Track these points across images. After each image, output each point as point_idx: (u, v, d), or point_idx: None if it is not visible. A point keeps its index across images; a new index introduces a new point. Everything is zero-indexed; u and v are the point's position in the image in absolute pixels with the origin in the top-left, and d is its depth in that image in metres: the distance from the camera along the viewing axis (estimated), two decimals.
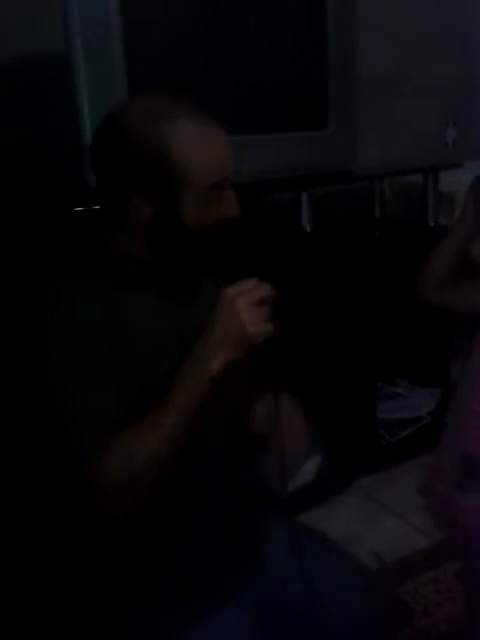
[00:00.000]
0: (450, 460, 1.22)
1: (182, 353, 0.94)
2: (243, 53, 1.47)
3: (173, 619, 1.04)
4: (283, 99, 1.53)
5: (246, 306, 0.91)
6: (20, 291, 1.20)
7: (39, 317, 0.98)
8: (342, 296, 1.87)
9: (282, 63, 1.53)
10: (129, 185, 0.95)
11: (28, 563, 1.37)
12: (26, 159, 1.35)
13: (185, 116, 0.95)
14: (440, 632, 1.54)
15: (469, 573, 1.30)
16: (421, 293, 1.28)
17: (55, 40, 1.27)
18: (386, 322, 2.08)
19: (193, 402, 0.92)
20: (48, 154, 1.41)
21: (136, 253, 1.01)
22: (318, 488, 1.85)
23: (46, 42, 1.35)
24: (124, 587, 1.07)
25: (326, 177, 1.71)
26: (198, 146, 0.95)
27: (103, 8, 1.25)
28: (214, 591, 1.06)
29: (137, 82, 1.27)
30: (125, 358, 0.96)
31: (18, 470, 1.34)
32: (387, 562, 1.69)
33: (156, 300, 1.02)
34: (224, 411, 1.10)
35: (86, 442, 0.92)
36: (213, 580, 1.07)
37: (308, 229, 1.84)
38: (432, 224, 2.13)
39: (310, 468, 1.86)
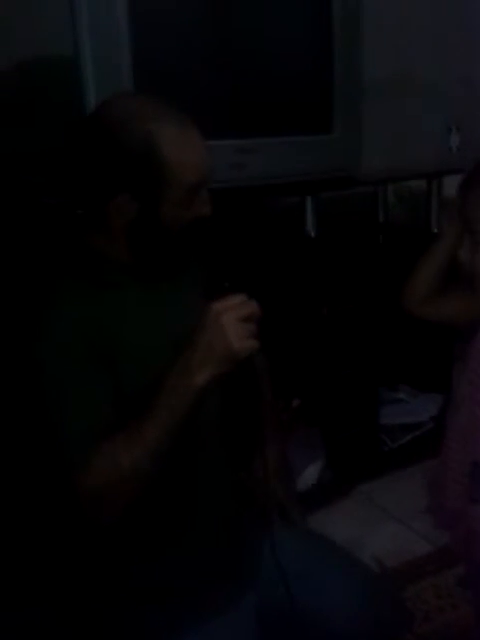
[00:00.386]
0: (454, 473, 1.19)
1: (172, 352, 0.93)
2: (248, 57, 1.47)
3: (171, 624, 1.04)
4: (288, 103, 1.53)
5: (232, 321, 0.90)
6: (7, 294, 1.20)
7: (25, 321, 0.98)
8: (346, 301, 1.87)
9: (287, 67, 1.53)
10: (115, 183, 0.96)
11: (25, 566, 1.36)
12: (32, 161, 1.35)
13: (169, 116, 0.96)
14: (441, 638, 1.54)
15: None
16: (406, 307, 1.28)
17: (63, 43, 1.28)
18: (389, 327, 2.08)
19: (177, 415, 0.91)
20: (54, 156, 1.41)
21: (118, 254, 1.01)
22: (320, 493, 1.86)
23: (54, 45, 1.36)
24: (122, 591, 1.07)
25: (330, 182, 1.71)
26: (184, 146, 0.96)
27: (111, 12, 1.26)
28: (213, 596, 1.06)
29: (143, 86, 1.28)
30: (113, 361, 0.96)
31: (8, 474, 1.34)
32: (388, 567, 1.69)
33: (142, 301, 1.02)
34: (222, 413, 1.11)
35: (72, 448, 0.93)
36: (212, 585, 1.07)
37: (312, 234, 1.84)
38: (436, 230, 2.13)
39: (312, 473, 1.87)
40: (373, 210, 2.27)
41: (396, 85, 2.01)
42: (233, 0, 1.43)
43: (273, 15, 1.49)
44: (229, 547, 1.10)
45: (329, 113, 1.61)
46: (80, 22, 1.24)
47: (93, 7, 1.24)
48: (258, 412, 1.05)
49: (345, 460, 1.90)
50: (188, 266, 1.08)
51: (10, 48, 1.46)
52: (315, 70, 1.58)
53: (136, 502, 0.95)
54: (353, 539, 1.70)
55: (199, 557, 1.07)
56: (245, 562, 1.12)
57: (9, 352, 0.99)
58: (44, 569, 1.32)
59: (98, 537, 1.04)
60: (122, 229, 0.99)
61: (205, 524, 1.08)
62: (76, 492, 0.93)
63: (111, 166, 0.95)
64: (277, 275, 1.68)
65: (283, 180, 1.55)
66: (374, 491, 1.98)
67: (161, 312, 1.04)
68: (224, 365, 0.92)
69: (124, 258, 1.02)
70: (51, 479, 1.00)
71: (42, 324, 0.96)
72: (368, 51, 1.66)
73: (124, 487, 0.92)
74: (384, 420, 2.11)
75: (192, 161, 0.97)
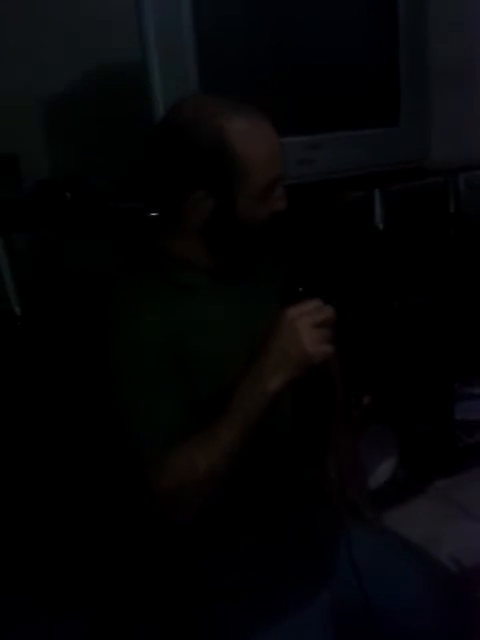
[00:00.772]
0: None
1: (247, 356, 0.94)
2: (311, 52, 1.46)
3: (246, 623, 1.05)
4: (354, 97, 1.52)
5: (307, 327, 0.91)
6: (88, 298, 1.23)
7: (105, 326, 1.00)
8: (418, 294, 1.83)
9: (351, 60, 1.51)
10: (190, 180, 0.97)
11: (102, 564, 1.39)
12: (102, 167, 1.38)
13: (238, 111, 0.97)
14: None
15: None
16: None
17: (131, 52, 1.30)
18: (462, 321, 2.03)
19: (251, 420, 0.92)
20: (124, 162, 1.44)
21: (194, 256, 1.02)
22: (394, 490, 1.83)
23: (121, 55, 1.38)
24: (197, 590, 1.08)
25: (399, 174, 1.68)
26: (255, 139, 0.97)
27: (177, 20, 1.27)
28: (289, 595, 1.06)
29: (210, 90, 1.29)
30: (190, 365, 0.97)
31: (87, 473, 1.37)
32: (466, 566, 1.65)
33: (218, 304, 1.03)
34: (296, 412, 1.10)
35: (148, 450, 0.94)
36: (288, 584, 1.07)
37: (381, 227, 1.81)
38: None
39: (385, 470, 1.84)
40: (444, 201, 2.22)
41: (463, 72, 1.97)
42: None
43: (335, 7, 1.47)
44: (304, 545, 1.10)
45: (396, 105, 1.59)
46: (147, 30, 1.26)
47: (159, 15, 1.26)
48: (330, 415, 1.05)
49: (419, 457, 1.87)
50: (265, 265, 1.08)
51: (78, 59, 1.50)
52: (380, 62, 1.56)
53: (212, 503, 0.96)
54: (429, 538, 1.67)
55: (274, 556, 1.08)
56: (320, 560, 1.12)
57: (89, 355, 1.01)
58: (120, 567, 1.35)
59: (174, 537, 1.05)
60: (199, 229, 0.99)
61: (280, 523, 1.08)
62: (152, 493, 0.94)
63: (185, 164, 0.96)
64: (347, 270, 1.66)
65: (351, 174, 1.54)
66: (450, 489, 1.94)
67: (237, 316, 1.04)
68: (298, 370, 0.92)
69: (200, 260, 1.02)
70: (129, 480, 1.02)
71: (120, 327, 0.97)
72: (435, 39, 1.63)
73: (199, 488, 0.93)
74: (459, 416, 2.06)
75: (264, 154, 0.97)
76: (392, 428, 1.88)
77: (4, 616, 1.32)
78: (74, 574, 1.39)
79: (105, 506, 1.35)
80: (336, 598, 1.11)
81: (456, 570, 1.61)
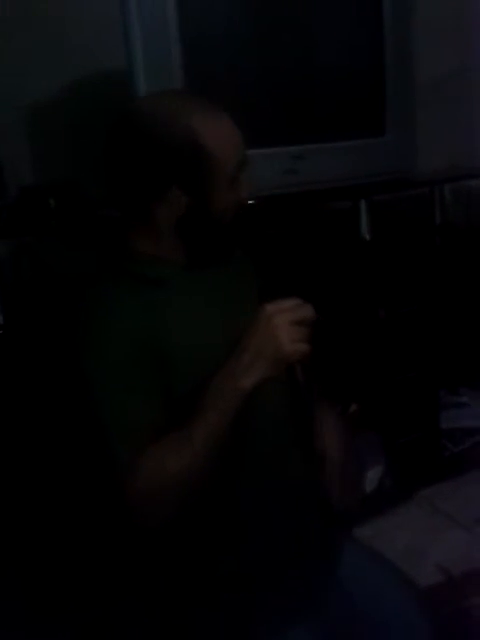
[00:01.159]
0: None
1: (226, 353, 0.93)
2: (300, 63, 1.47)
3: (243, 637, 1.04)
4: (340, 107, 1.53)
5: (284, 324, 0.90)
6: (61, 300, 1.23)
7: (74, 329, 0.99)
8: (404, 304, 1.84)
9: (338, 71, 1.52)
10: (164, 180, 0.97)
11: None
12: (89, 174, 1.38)
13: (202, 106, 0.99)
14: None
15: None
16: None
17: (118, 56, 1.30)
18: (448, 330, 2.05)
19: (224, 418, 0.91)
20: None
21: (166, 253, 1.02)
22: (381, 498, 1.83)
23: (108, 58, 1.38)
24: (192, 601, 1.07)
25: (385, 184, 1.69)
26: (221, 131, 0.99)
27: (163, 29, 1.28)
28: (286, 609, 1.05)
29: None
30: (164, 363, 0.96)
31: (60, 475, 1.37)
32: (453, 575, 1.65)
33: (193, 302, 1.02)
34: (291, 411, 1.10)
35: (119, 451, 0.93)
36: (284, 598, 1.06)
37: (368, 237, 1.82)
38: None
39: (371, 478, 1.85)
40: (429, 211, 2.23)
41: (450, 83, 1.98)
42: (281, 6, 1.43)
43: (323, 17, 1.48)
44: (302, 559, 1.09)
45: (381, 115, 1.59)
46: (133, 36, 1.26)
47: (145, 21, 1.26)
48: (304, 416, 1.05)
49: (406, 465, 1.87)
50: (235, 256, 1.08)
51: (63, 65, 1.50)
52: (366, 72, 1.57)
53: (189, 505, 0.95)
54: (416, 546, 1.67)
55: (271, 569, 1.06)
56: (318, 575, 1.11)
57: (63, 360, 1.01)
58: (108, 572, 1.34)
59: (147, 540, 1.04)
60: (171, 225, 1.00)
61: (276, 533, 1.07)
62: (123, 495, 0.92)
63: (156, 163, 0.97)
64: (333, 279, 1.67)
65: (337, 184, 1.55)
66: (436, 497, 1.94)
67: (216, 305, 1.04)
68: (274, 368, 0.91)
69: (171, 255, 1.02)
70: (102, 482, 1.01)
71: (89, 330, 0.97)
72: (423, 50, 1.64)
73: (171, 491, 0.92)
74: (445, 424, 2.07)
75: (231, 143, 0.99)
76: (378, 436, 1.88)
77: None
78: (64, 580, 1.38)
79: (91, 510, 1.34)
80: (335, 616, 1.10)
81: (443, 578, 1.61)
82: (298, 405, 1.04)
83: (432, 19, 1.82)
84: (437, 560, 1.66)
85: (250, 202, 1.05)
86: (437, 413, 2.03)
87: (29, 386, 1.32)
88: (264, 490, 1.06)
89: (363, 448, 1.82)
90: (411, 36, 1.60)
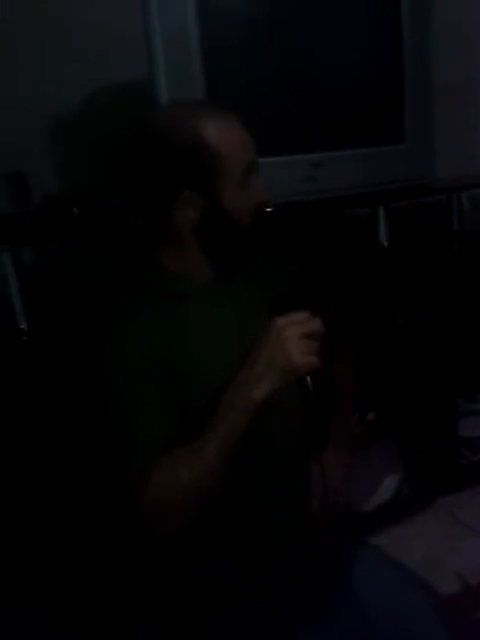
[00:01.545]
0: None
1: (241, 362, 0.95)
2: (319, 70, 1.47)
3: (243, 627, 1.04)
4: (358, 115, 1.53)
5: (294, 337, 0.91)
6: (85, 309, 1.25)
7: (96, 341, 1.01)
8: (421, 311, 1.84)
9: (357, 78, 1.52)
10: (176, 184, 0.99)
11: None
12: (114, 183, 1.40)
13: (210, 111, 1.02)
14: None
15: None
16: None
17: (140, 65, 1.32)
18: (466, 337, 2.04)
19: (235, 430, 0.92)
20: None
21: (190, 264, 1.03)
22: (398, 507, 1.82)
23: (130, 67, 1.40)
24: (206, 606, 1.07)
25: (403, 191, 1.69)
26: (227, 132, 1.01)
27: (184, 41, 1.29)
28: (298, 614, 1.06)
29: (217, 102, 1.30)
30: (180, 375, 0.98)
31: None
32: (471, 584, 1.64)
33: (215, 308, 1.04)
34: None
35: (134, 462, 0.95)
36: (297, 603, 1.06)
37: (386, 244, 1.82)
38: None
39: (389, 486, 1.84)
40: (447, 218, 2.23)
41: (468, 89, 1.98)
42: (300, 15, 1.44)
43: (341, 27, 1.49)
44: (316, 569, 1.09)
45: (400, 122, 1.59)
46: (154, 46, 1.27)
47: (166, 31, 1.27)
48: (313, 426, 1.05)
49: (423, 473, 1.86)
50: (259, 265, 1.09)
51: (85, 75, 1.51)
52: (385, 79, 1.57)
53: (204, 514, 0.96)
54: (434, 555, 1.66)
55: (286, 577, 1.07)
56: (332, 584, 1.11)
57: (85, 371, 1.02)
58: (121, 575, 1.35)
59: (163, 547, 1.05)
60: (191, 231, 1.01)
61: (290, 540, 1.07)
62: (137, 506, 0.94)
63: (167, 168, 0.99)
64: (351, 286, 1.67)
65: (355, 191, 1.55)
66: (454, 505, 1.93)
67: (231, 326, 1.05)
68: (283, 380, 0.92)
69: (194, 268, 1.04)
70: (118, 488, 1.02)
71: (110, 343, 0.99)
72: (440, 56, 1.64)
73: (184, 500, 0.94)
74: (463, 432, 2.06)
75: (237, 141, 1.01)
76: (396, 444, 1.87)
77: (6, 626, 1.32)
78: (79, 583, 1.38)
79: (107, 514, 1.35)
80: (350, 626, 1.10)
81: (461, 587, 1.60)
82: (307, 417, 1.05)
83: (450, 26, 1.81)
84: (455, 569, 1.65)
85: (269, 209, 1.05)
86: (455, 421, 2.02)
87: (51, 392, 1.33)
88: (277, 498, 1.07)
89: (380, 455, 1.82)
90: (430, 43, 1.60)
